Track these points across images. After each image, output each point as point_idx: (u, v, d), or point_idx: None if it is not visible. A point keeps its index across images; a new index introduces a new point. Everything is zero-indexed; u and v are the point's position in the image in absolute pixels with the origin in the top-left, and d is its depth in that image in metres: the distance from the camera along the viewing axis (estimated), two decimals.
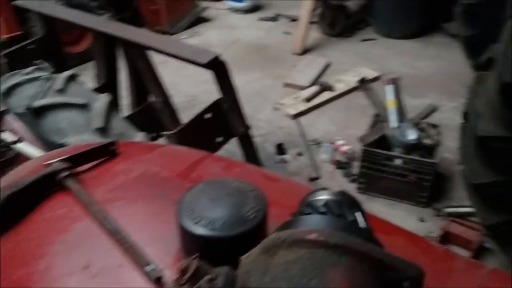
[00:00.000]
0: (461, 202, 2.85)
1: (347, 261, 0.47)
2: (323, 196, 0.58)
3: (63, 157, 0.87)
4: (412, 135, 2.97)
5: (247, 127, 2.39)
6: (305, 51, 5.19)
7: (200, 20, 6.28)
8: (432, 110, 3.87)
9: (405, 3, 5.19)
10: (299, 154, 3.54)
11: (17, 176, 0.87)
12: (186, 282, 0.55)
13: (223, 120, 2.33)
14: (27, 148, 1.52)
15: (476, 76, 2.12)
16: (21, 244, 0.76)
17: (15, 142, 1.37)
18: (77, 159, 0.89)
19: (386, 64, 4.81)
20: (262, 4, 6.76)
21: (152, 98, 2.75)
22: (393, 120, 3.12)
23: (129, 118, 2.65)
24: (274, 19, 6.29)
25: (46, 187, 0.83)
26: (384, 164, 2.94)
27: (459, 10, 3.22)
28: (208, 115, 2.25)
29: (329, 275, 0.46)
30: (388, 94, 3.28)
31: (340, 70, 4.77)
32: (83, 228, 0.75)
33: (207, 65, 2.08)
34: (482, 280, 0.71)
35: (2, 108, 1.38)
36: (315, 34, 5.54)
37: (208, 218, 0.61)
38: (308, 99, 4.21)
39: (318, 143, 3.64)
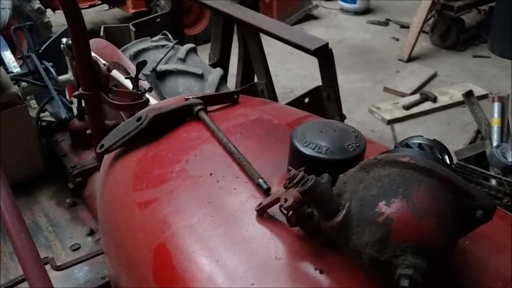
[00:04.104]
0: None
1: (431, 182, 0.58)
2: (418, 140, 0.69)
3: (199, 96, 1.08)
4: None
5: (342, 117, 2.49)
6: (411, 59, 5.11)
7: (309, 17, 6.43)
8: None
9: None
10: None
11: (164, 104, 1.09)
12: (293, 185, 0.70)
13: (320, 107, 2.46)
14: (153, 100, 1.77)
15: None
16: (162, 152, 0.97)
17: (148, 90, 1.63)
18: (208, 100, 1.09)
19: (496, 83, 4.58)
20: (374, 7, 6.72)
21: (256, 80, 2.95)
22: (495, 138, 3.01)
23: None
24: (383, 23, 6.23)
25: (184, 115, 1.04)
26: (478, 182, 2.83)
27: None
28: (306, 100, 2.40)
29: (414, 188, 0.57)
30: (494, 112, 3.16)
31: (446, 83, 4.63)
32: (210, 148, 0.94)
33: (314, 52, 2.21)
34: None
35: (141, 60, 1.64)
36: (424, 44, 5.42)
37: (316, 143, 0.76)
38: (408, 107, 4.16)
39: None
